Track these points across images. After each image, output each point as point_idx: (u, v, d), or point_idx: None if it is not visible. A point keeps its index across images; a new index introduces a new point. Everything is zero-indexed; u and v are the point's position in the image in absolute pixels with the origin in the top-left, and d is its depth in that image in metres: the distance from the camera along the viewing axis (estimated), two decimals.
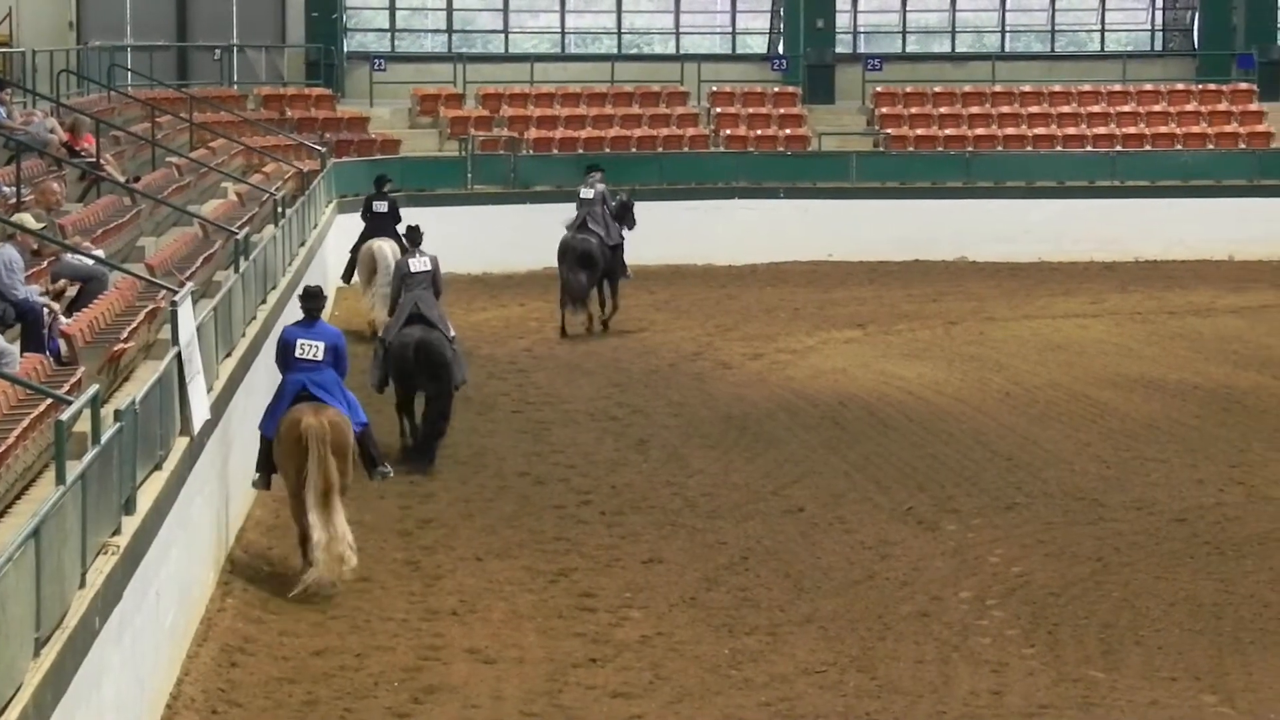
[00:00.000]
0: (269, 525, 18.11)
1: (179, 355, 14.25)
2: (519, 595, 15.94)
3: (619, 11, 44.79)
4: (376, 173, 31.68)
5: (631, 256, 36.11)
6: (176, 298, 14.84)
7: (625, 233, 30.85)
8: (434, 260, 21.42)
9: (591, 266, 29.93)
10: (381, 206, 30.05)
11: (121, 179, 23.59)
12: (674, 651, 14.51)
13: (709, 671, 14.08)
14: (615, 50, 44.62)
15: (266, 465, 16.79)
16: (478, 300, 33.77)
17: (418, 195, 36.77)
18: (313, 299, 16.97)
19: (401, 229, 28.09)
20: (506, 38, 44.71)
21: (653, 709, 13.29)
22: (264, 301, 20.77)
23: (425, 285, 21.19)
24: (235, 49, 40.53)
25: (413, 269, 21.29)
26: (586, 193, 30.62)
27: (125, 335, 15.14)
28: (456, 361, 21.28)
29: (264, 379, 20.03)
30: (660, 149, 39.99)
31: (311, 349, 16.48)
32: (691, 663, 14.26)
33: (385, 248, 28.79)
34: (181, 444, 14.18)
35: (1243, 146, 41.21)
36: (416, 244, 21.62)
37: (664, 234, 37.55)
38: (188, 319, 14.78)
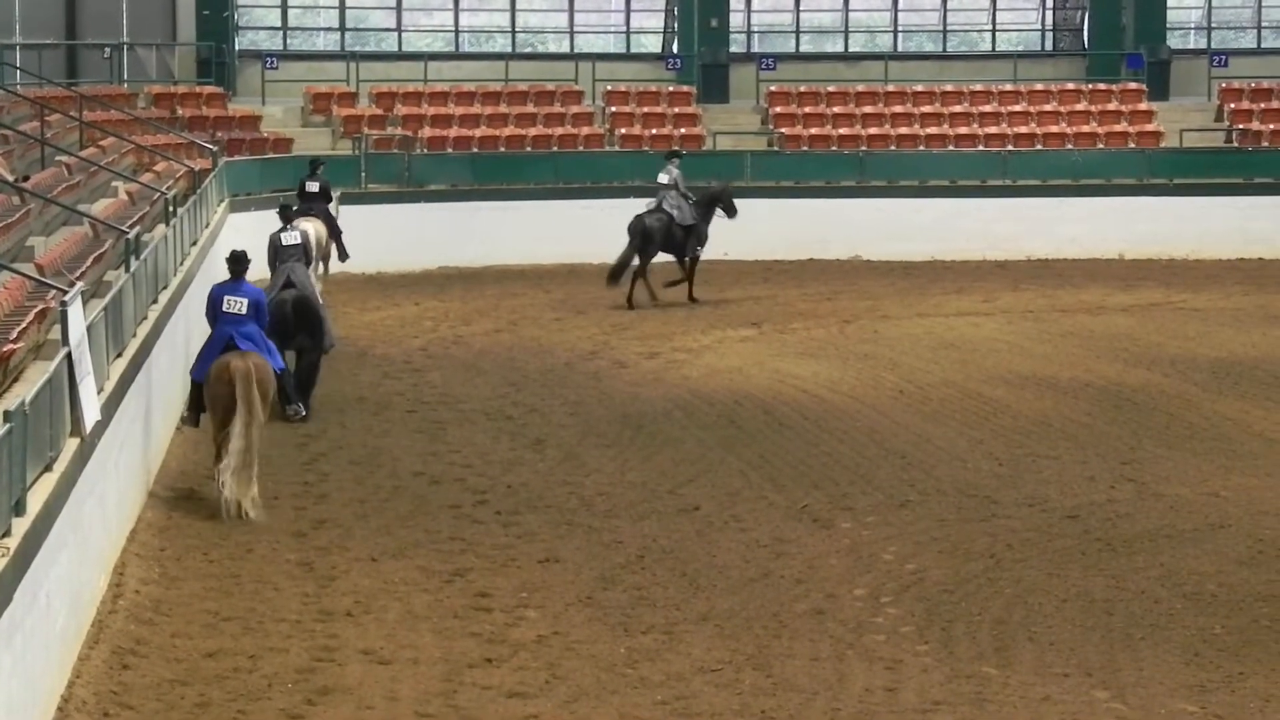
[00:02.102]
0: (161, 527, 17.97)
1: (69, 356, 14.11)
2: (414, 595, 15.88)
3: (513, 10, 44.73)
4: (310, 158, 33.75)
5: (525, 256, 36.31)
6: (66, 298, 14.70)
7: (729, 221, 33.75)
8: (304, 235, 24.56)
9: (647, 243, 32.75)
10: (313, 187, 32.58)
11: (10, 178, 23.32)
12: (570, 651, 14.50)
13: (605, 670, 14.07)
14: (509, 49, 44.57)
15: (196, 405, 19.23)
16: (372, 300, 33.63)
17: None
18: (238, 261, 19.37)
19: (332, 208, 32.66)
20: (400, 36, 44.58)
21: (549, 709, 13.27)
22: (155, 301, 20.62)
23: (297, 257, 23.71)
24: (125, 47, 40.19)
25: (285, 242, 23.83)
26: (662, 177, 33.55)
27: (14, 336, 14.97)
28: (327, 324, 23.63)
29: (159, 377, 19.89)
30: (555, 148, 39.98)
31: (237, 304, 18.90)
32: (587, 662, 14.25)
33: (306, 226, 29.48)
34: (72, 445, 14.04)
35: (1132, 146, 41.62)
36: (288, 220, 24.37)
37: (559, 233, 37.60)
38: (78, 319, 14.64)
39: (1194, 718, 13.24)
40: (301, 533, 17.91)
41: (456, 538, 17.74)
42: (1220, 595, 16.02)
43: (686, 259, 33.33)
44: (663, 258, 33.45)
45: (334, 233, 32.70)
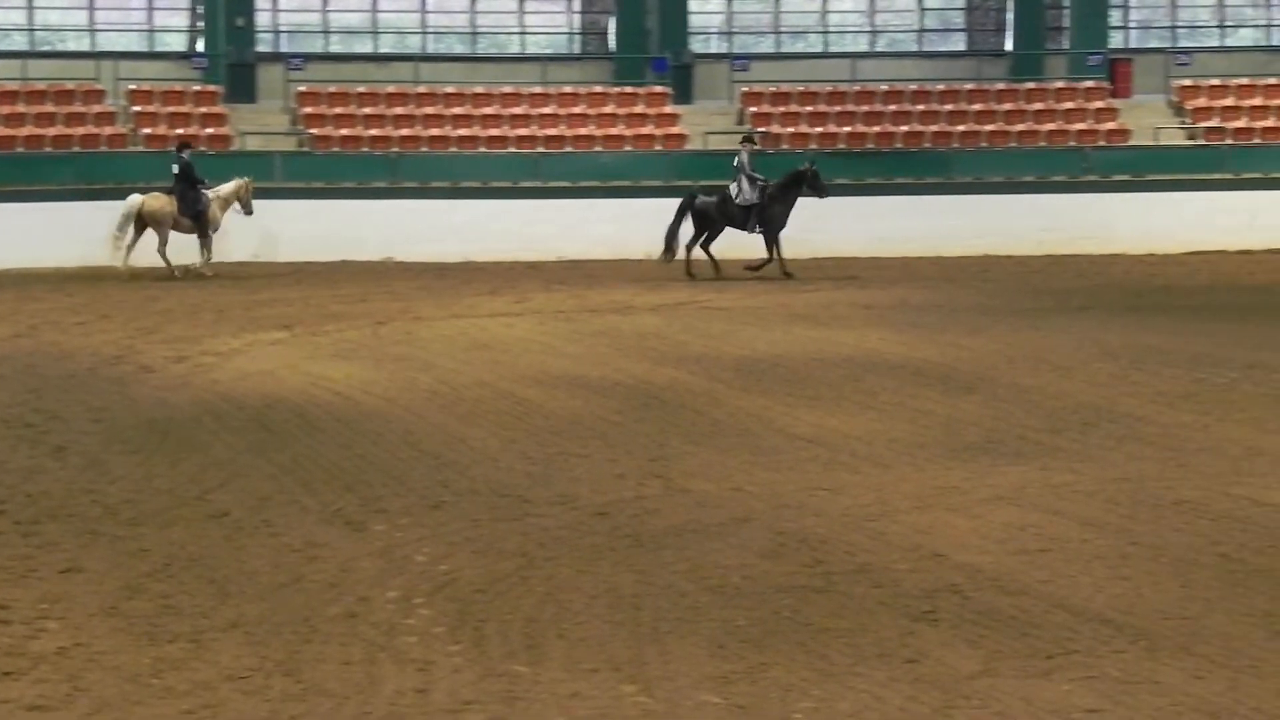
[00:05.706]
0: None
1: None
2: None
3: (30, 8, 43.47)
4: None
5: (45, 259, 35.36)
6: None
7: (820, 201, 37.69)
8: None
9: (698, 219, 37.16)
10: (175, 169, 36.68)
11: None
12: (93, 662, 14.10)
13: (129, 681, 13.73)
14: (27, 47, 43.30)
15: None
16: None
17: None
18: None
19: (225, 191, 36.86)
20: None
21: None
22: None
23: None
24: None
25: None
26: (735, 160, 37.53)
27: None
28: None
29: None
30: (77, 148, 39.02)
31: None
32: (111, 673, 13.88)
33: (136, 197, 36.03)
34: None
35: (659, 148, 42.47)
36: None
37: (82, 235, 36.72)
38: None
39: (717, 709, 13.48)
40: None
41: None
42: (744, 588, 16.37)
43: (763, 237, 37.17)
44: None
45: (188, 210, 36.18)
